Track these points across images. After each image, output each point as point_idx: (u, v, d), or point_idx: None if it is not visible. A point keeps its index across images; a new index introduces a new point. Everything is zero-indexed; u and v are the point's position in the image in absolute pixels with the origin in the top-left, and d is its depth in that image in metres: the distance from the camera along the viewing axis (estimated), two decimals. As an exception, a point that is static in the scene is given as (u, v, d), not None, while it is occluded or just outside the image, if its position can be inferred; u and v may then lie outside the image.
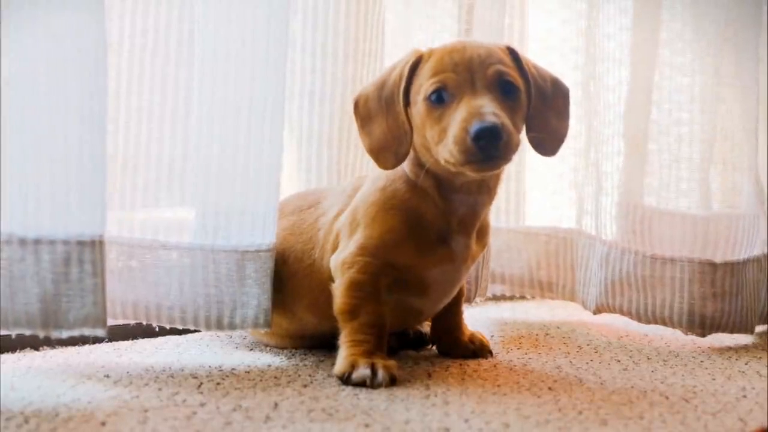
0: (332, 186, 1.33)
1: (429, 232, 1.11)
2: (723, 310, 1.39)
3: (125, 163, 1.16)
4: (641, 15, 1.47)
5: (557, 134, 1.14)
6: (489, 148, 1.00)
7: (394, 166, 1.11)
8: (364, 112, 1.13)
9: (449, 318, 1.25)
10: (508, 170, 1.64)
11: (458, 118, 1.02)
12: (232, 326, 1.16)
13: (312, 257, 1.18)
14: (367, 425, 0.89)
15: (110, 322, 1.21)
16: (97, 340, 1.25)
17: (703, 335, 1.40)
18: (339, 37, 1.38)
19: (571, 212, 1.61)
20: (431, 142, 1.06)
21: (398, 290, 1.13)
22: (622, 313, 1.46)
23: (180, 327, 1.17)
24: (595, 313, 1.50)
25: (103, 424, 0.87)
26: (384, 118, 1.10)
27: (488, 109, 1.01)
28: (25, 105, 0.99)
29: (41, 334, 1.00)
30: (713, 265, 1.39)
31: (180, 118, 1.18)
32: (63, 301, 1.00)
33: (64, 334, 1.01)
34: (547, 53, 1.65)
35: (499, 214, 1.61)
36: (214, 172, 1.15)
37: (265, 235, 1.16)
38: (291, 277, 1.19)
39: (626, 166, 1.48)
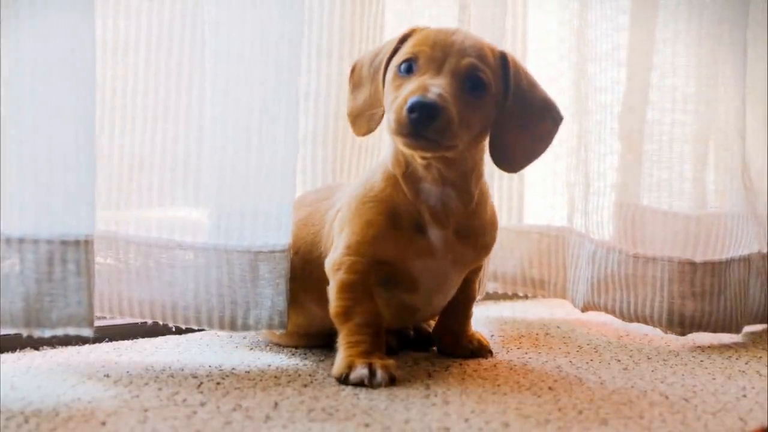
0: (346, 182, 1.33)
1: (404, 221, 1.11)
2: (704, 309, 1.39)
3: (141, 162, 1.17)
4: (638, 15, 1.47)
5: (524, 152, 1.12)
6: (420, 125, 0.99)
7: (366, 133, 1.15)
8: (356, 78, 1.16)
9: (454, 319, 1.25)
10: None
11: (407, 90, 1.02)
12: (245, 327, 1.16)
13: (319, 250, 1.19)
14: (367, 425, 0.89)
15: (124, 320, 1.22)
16: (97, 339, 1.25)
17: (683, 334, 1.40)
18: (334, 38, 1.37)
19: (564, 211, 1.61)
20: (387, 109, 1.08)
21: (390, 287, 1.14)
22: (606, 311, 1.46)
23: (195, 327, 1.17)
24: (583, 311, 1.50)
25: (103, 423, 0.87)
26: (369, 86, 1.13)
27: (436, 89, 1.01)
28: (14, 105, 0.98)
29: (24, 332, 1.00)
30: (693, 265, 1.39)
31: (194, 119, 1.18)
32: (46, 300, 1.00)
33: (47, 333, 1.00)
34: (546, 54, 1.65)
35: (500, 214, 1.61)
36: (227, 173, 1.15)
37: (279, 236, 1.16)
38: (302, 268, 1.20)
39: (622, 166, 1.48)
